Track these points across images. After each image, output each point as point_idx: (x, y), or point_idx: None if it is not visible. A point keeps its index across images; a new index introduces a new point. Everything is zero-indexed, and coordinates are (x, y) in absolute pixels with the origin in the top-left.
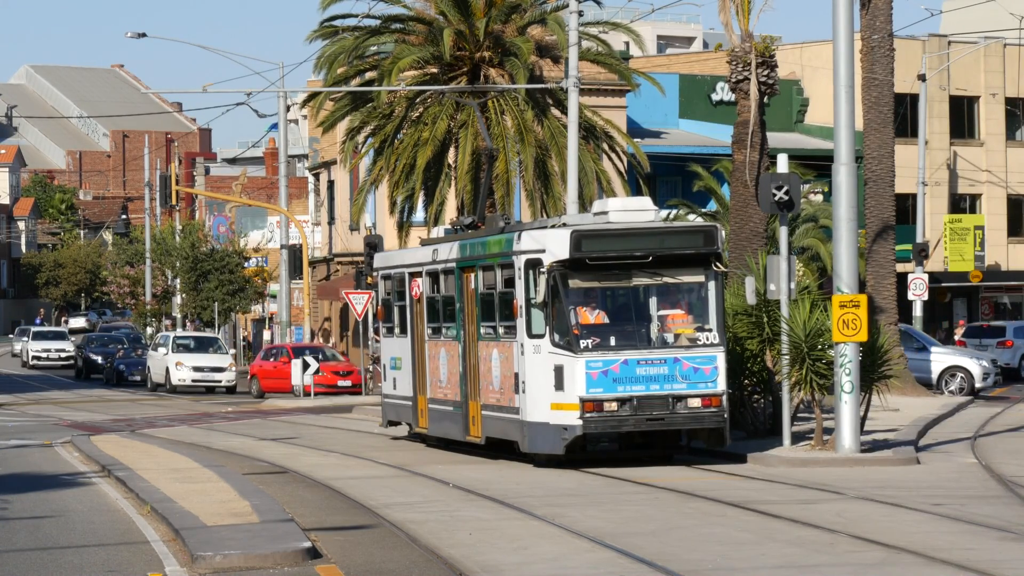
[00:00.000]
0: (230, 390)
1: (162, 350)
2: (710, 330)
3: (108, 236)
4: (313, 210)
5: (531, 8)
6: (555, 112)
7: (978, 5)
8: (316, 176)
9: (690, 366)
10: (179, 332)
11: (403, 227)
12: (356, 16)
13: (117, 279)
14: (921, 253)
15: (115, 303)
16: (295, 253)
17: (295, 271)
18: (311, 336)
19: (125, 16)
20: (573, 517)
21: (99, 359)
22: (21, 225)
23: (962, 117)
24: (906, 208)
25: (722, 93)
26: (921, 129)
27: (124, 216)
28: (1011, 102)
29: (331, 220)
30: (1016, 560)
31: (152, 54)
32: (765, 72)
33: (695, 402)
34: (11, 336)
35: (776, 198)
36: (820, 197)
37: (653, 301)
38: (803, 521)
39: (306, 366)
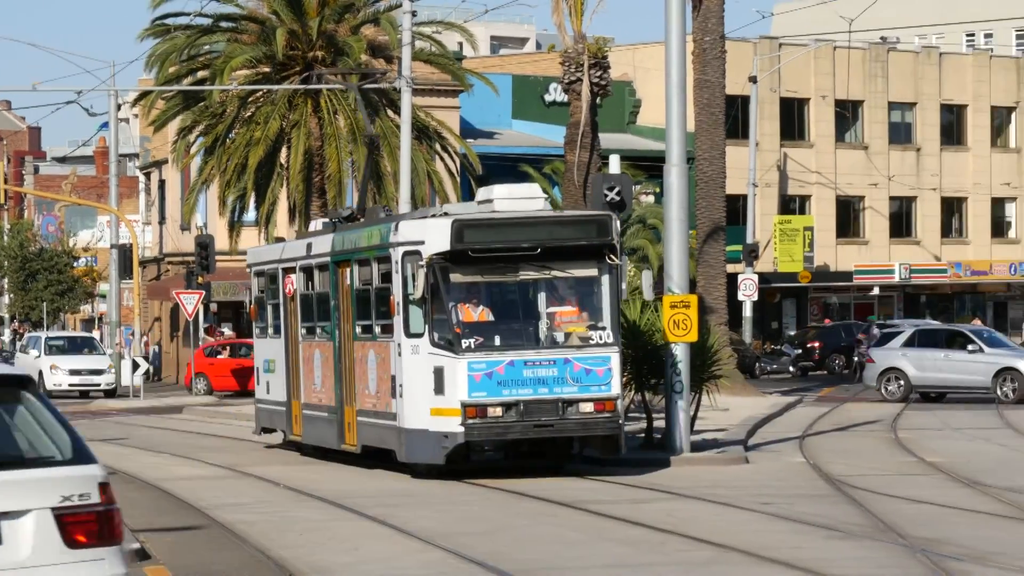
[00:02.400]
0: (109, 393)
1: (33, 352)
2: (604, 328)
3: None
4: (144, 210)
5: (364, 8)
6: (389, 112)
7: (809, 8)
8: (147, 175)
9: (582, 367)
10: (51, 332)
11: (234, 227)
12: (188, 15)
13: None
14: (751, 254)
15: None
16: (125, 253)
17: (125, 271)
18: (140, 337)
19: None
20: (405, 517)
21: None
22: None
23: (792, 119)
24: (736, 209)
25: (555, 94)
26: (752, 130)
27: None
28: (840, 104)
29: (162, 220)
30: (843, 559)
31: None
32: (598, 73)
33: (587, 407)
34: None
35: (608, 199)
36: (651, 198)
37: (542, 297)
38: (634, 521)
39: (136, 366)
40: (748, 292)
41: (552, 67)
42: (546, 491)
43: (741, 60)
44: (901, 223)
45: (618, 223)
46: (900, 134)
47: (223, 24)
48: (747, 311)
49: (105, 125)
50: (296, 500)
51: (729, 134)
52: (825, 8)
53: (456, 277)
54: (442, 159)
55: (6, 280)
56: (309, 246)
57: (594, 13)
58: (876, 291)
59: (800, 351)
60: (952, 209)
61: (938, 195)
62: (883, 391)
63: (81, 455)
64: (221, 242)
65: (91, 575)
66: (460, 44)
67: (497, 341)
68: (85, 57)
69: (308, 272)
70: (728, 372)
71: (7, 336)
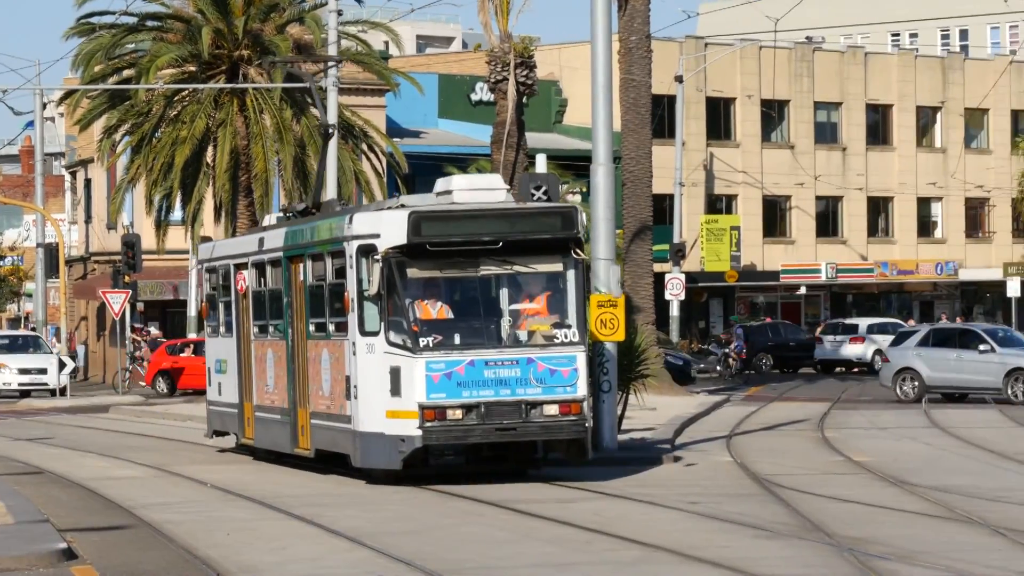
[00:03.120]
0: (53, 393)
1: None
2: (569, 326)
3: None
4: (70, 209)
5: (290, 7)
6: (314, 111)
7: (734, 8)
8: (73, 174)
9: (546, 368)
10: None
11: (161, 226)
12: (114, 13)
13: None
14: (678, 253)
15: None
16: (51, 252)
17: (51, 270)
18: (67, 337)
19: None
20: (332, 517)
21: None
22: None
23: (718, 118)
24: (663, 208)
25: (481, 93)
26: (678, 130)
27: None
28: (766, 104)
29: (88, 219)
30: (770, 558)
31: None
32: (524, 72)
33: (552, 409)
34: None
35: (535, 198)
36: (578, 197)
37: (505, 293)
38: (561, 520)
39: (63, 365)
40: (675, 291)
41: (478, 66)
42: (475, 492)
43: (667, 60)
44: (827, 223)
45: (584, 216)
46: (826, 134)
47: (149, 23)
48: (674, 310)
49: (30, 124)
50: (224, 500)
51: (655, 133)
52: (750, 8)
53: (413, 272)
54: (368, 158)
55: None
56: (261, 241)
57: (520, 12)
58: (803, 290)
59: (727, 350)
60: (878, 209)
61: (864, 195)
62: (898, 391)
63: None
64: (148, 241)
65: None
66: (386, 43)
67: (457, 340)
68: (10, 56)
69: (260, 268)
70: (655, 371)
71: None
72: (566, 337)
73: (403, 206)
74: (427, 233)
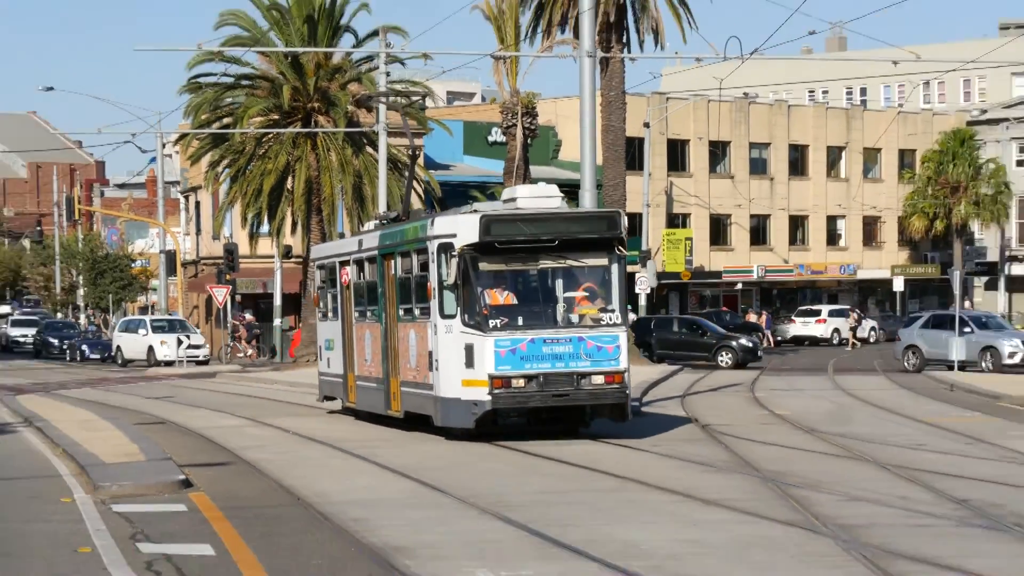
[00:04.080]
0: (202, 363)
1: (142, 331)
2: (613, 311)
3: (27, 243)
4: (184, 224)
5: (350, 69)
6: (369, 149)
7: (689, 71)
8: (186, 198)
9: (594, 345)
10: (154, 316)
11: (253, 237)
12: (215, 75)
13: (34, 276)
14: (646, 258)
15: (32, 295)
16: (170, 257)
17: (170, 270)
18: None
19: (38, 70)
20: (385, 456)
21: (55, 341)
22: None
23: (676, 155)
24: (634, 224)
25: (496, 135)
26: (646, 164)
27: (39, 228)
28: (713, 144)
29: (198, 231)
30: (713, 486)
31: (58, 101)
32: (528, 120)
33: (598, 379)
34: None
35: None
36: None
37: (559, 283)
38: (556, 459)
39: (180, 343)
40: (643, 287)
41: (494, 115)
42: (515, 444)
43: (637, 110)
44: (759, 234)
45: (625, 219)
46: (758, 167)
47: (242, 82)
48: (642, 301)
49: (153, 159)
50: (303, 443)
51: (628, 167)
52: (701, 71)
53: (484, 265)
54: (414, 183)
55: (81, 277)
56: (360, 242)
57: (525, 74)
58: (739, 286)
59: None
60: (797, 224)
61: (786, 214)
62: (905, 363)
63: None
64: (243, 248)
65: None
66: (423, 97)
67: (520, 321)
68: (137, 107)
69: (360, 264)
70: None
71: (83, 320)
72: (610, 320)
73: (476, 211)
74: (495, 233)
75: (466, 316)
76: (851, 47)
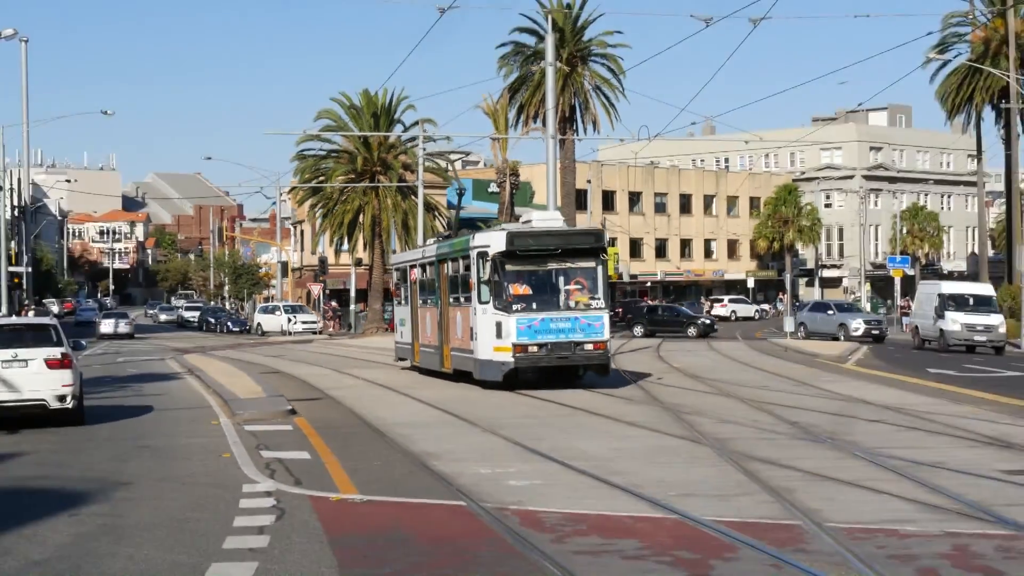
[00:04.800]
0: (315, 333)
1: (276, 313)
2: (599, 299)
3: (192, 257)
4: (292, 244)
5: (400, 146)
6: (413, 196)
7: (616, 147)
8: (294, 227)
9: (586, 322)
10: (285, 302)
11: (336, 253)
12: (314, 149)
13: (196, 278)
14: None
15: (196, 291)
16: (284, 265)
17: (284, 274)
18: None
19: (201, 143)
20: (422, 394)
21: (211, 320)
22: (149, 251)
23: (608, 200)
24: None
25: (493, 188)
26: (588, 206)
27: (200, 247)
28: (632, 193)
29: (301, 249)
30: (632, 412)
31: (214, 165)
32: (513, 178)
33: (589, 346)
34: (145, 307)
35: None
36: None
37: (561, 279)
38: (536, 397)
39: (290, 320)
40: None
41: (491, 174)
42: (516, 388)
43: (583, 171)
44: (661, 251)
45: (607, 235)
46: (660, 208)
47: (331, 154)
48: None
49: (274, 203)
50: (369, 387)
51: (577, 208)
52: (623, 147)
53: (509, 267)
54: (437, 219)
55: (226, 279)
56: (423, 252)
57: (511, 149)
58: (648, 284)
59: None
60: (685, 244)
61: (679, 238)
62: (798, 334)
63: (70, 346)
64: (331, 260)
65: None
66: (448, 164)
67: (534, 306)
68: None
69: (423, 267)
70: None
71: (228, 307)
72: (597, 305)
73: (503, 228)
74: (517, 244)
75: (496, 302)
76: (719, 131)
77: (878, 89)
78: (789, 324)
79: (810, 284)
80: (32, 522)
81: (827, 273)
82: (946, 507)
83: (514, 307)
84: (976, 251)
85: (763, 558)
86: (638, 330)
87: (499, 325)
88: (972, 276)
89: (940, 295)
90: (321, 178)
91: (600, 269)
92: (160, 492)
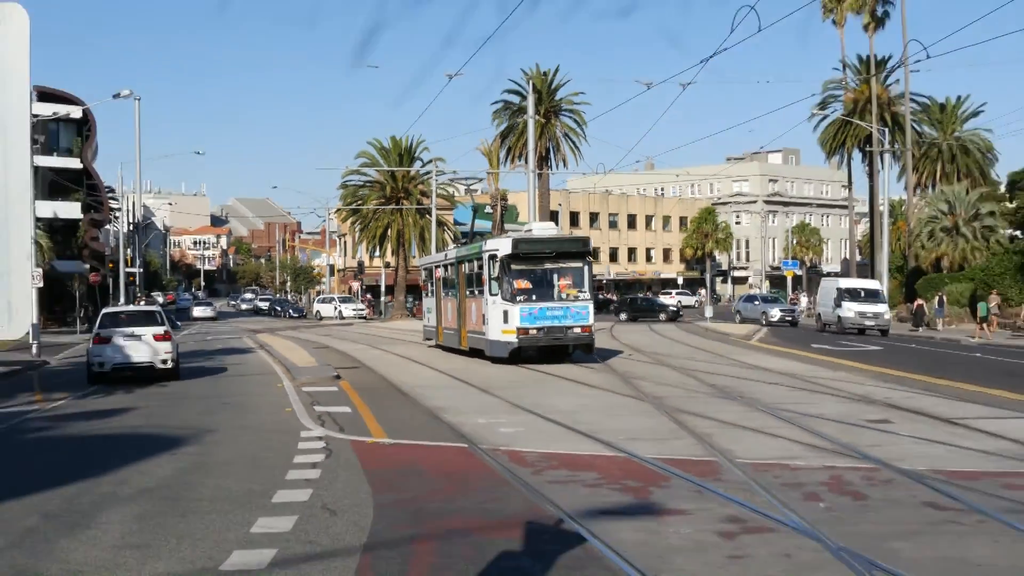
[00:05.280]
0: (362, 318)
1: (333, 303)
2: (585, 292)
3: (263, 261)
4: (338, 251)
5: (418, 178)
6: (427, 215)
7: (582, 178)
8: (339, 238)
9: (575, 310)
10: (337, 294)
11: (371, 258)
12: (355, 180)
13: (266, 277)
14: None
15: (265, 286)
16: (331, 267)
17: (331, 273)
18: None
19: (270, 174)
20: (437, 365)
21: (278, 308)
22: (230, 256)
23: (575, 219)
24: None
25: (490, 209)
26: (559, 224)
27: (268, 254)
28: (591, 214)
29: (344, 255)
30: (596, 377)
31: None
32: (503, 202)
33: (577, 330)
34: (228, 299)
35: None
36: None
37: (555, 276)
38: (522, 367)
39: (343, 308)
40: None
41: (487, 199)
42: (525, 366)
43: (556, 197)
44: (614, 256)
45: (591, 241)
46: (614, 224)
47: (367, 184)
48: None
49: (324, 219)
50: (396, 358)
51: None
52: (586, 178)
53: (514, 266)
54: (447, 233)
55: (288, 277)
56: (445, 255)
57: (501, 180)
58: (603, 281)
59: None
60: (631, 251)
61: (627, 246)
62: (736, 320)
63: (170, 325)
64: (367, 263)
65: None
66: (454, 191)
67: (534, 298)
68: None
69: (445, 267)
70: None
71: (290, 298)
72: (584, 297)
73: (509, 236)
74: (520, 248)
75: (503, 294)
76: (657, 167)
77: (775, 135)
78: (709, 311)
79: (724, 282)
80: (143, 459)
81: (737, 273)
82: (825, 447)
83: (517, 298)
84: (847, 257)
85: (689, 486)
86: (623, 316)
87: (506, 313)
88: (844, 276)
89: (838, 288)
90: (359, 202)
91: (586, 268)
92: (238, 437)
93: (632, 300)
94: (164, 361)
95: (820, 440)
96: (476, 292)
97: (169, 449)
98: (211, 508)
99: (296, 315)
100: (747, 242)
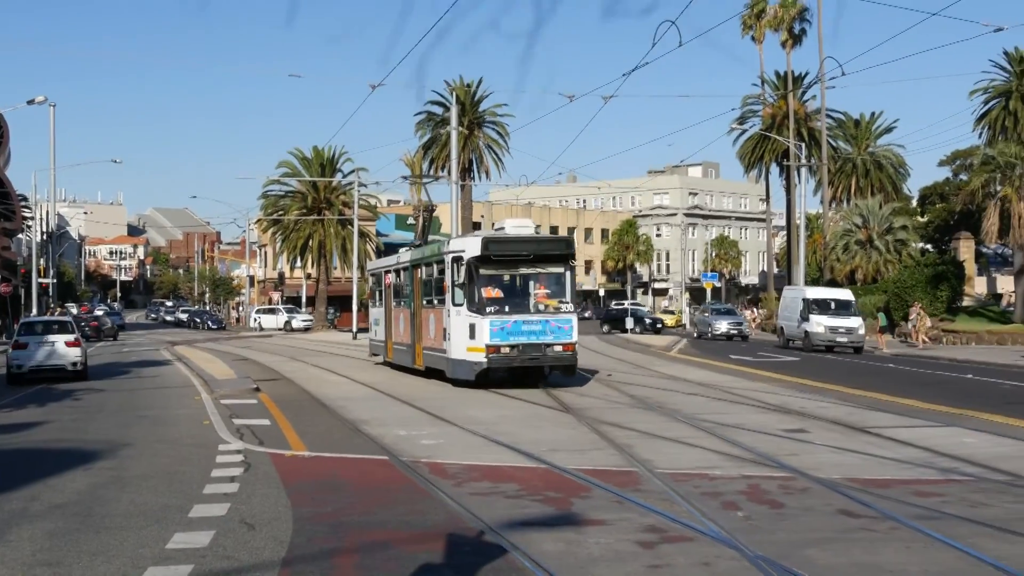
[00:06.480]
0: (302, 331)
1: (278, 314)
2: (568, 303)
3: (180, 272)
4: (258, 262)
5: (340, 188)
6: (349, 226)
7: (504, 190)
8: (259, 249)
9: (556, 325)
10: (280, 305)
11: (292, 269)
12: (275, 190)
13: (184, 287)
14: None
15: (184, 297)
16: (251, 278)
17: (251, 284)
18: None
19: (189, 183)
20: (359, 377)
21: (197, 319)
22: (147, 267)
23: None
24: None
25: (411, 220)
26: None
27: (187, 264)
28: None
29: (264, 266)
30: (511, 389)
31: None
32: (426, 213)
33: (559, 348)
34: (146, 310)
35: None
36: None
37: (532, 283)
38: (442, 380)
39: (291, 319)
40: None
41: (410, 210)
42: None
43: (479, 208)
44: None
45: (575, 243)
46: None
47: (289, 194)
48: None
49: (244, 230)
50: (316, 370)
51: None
52: (508, 189)
53: (483, 271)
54: (369, 244)
55: (207, 288)
56: (398, 258)
57: (421, 191)
58: None
59: None
60: None
61: None
62: (694, 333)
63: (79, 334)
64: (287, 274)
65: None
66: (376, 201)
67: (507, 309)
68: (237, 205)
69: (397, 272)
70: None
71: (208, 309)
72: (566, 308)
73: (478, 235)
74: (492, 249)
75: (470, 304)
76: (580, 179)
77: (696, 149)
78: (629, 323)
79: (645, 293)
80: (55, 474)
81: (658, 285)
82: (743, 457)
83: (487, 309)
84: (765, 269)
85: (610, 496)
86: (605, 328)
87: (472, 327)
88: (762, 288)
89: (805, 299)
90: (280, 212)
91: (568, 275)
92: (155, 451)
93: (608, 311)
94: (75, 364)
95: (738, 450)
96: (436, 301)
97: (83, 463)
98: (126, 524)
99: (215, 327)
100: (668, 254)
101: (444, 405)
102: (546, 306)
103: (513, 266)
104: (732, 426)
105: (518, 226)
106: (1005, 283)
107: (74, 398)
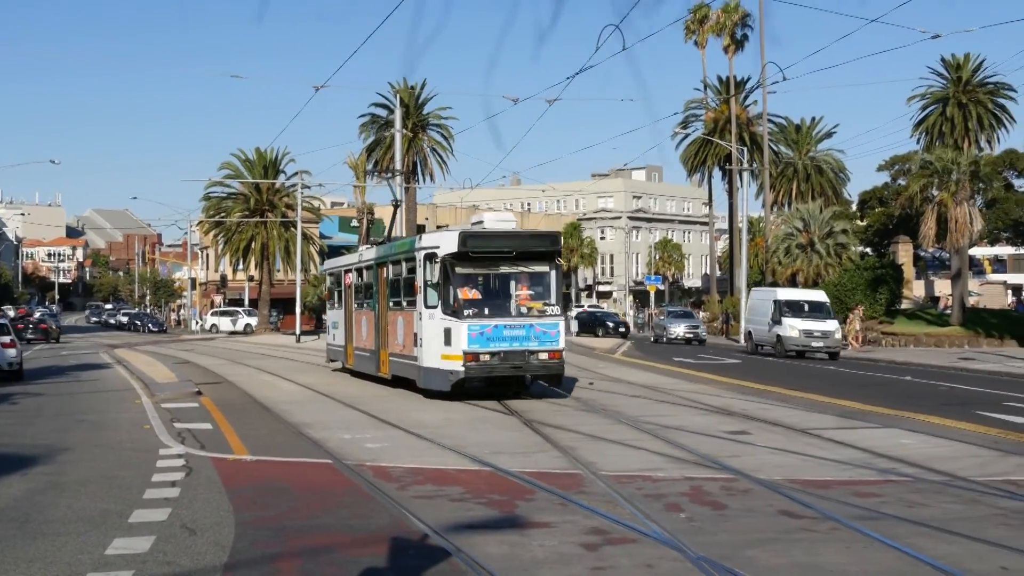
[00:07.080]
0: (243, 333)
1: (216, 316)
2: (554, 305)
3: (121, 274)
4: (200, 264)
5: (283, 190)
6: (293, 228)
7: (449, 194)
8: (202, 251)
9: (541, 330)
10: (220, 308)
11: (234, 271)
12: (218, 192)
13: (124, 290)
14: None
15: (124, 300)
16: (193, 280)
17: (193, 287)
18: (198, 312)
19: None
20: (302, 380)
21: (137, 322)
22: (87, 269)
23: None
24: None
25: (354, 223)
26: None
27: (127, 267)
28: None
29: (207, 268)
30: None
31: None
32: (370, 216)
33: (544, 355)
34: (86, 313)
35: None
36: None
37: (514, 284)
38: (385, 384)
39: (247, 323)
40: None
41: (353, 212)
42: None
43: (423, 211)
44: None
45: (561, 239)
46: None
47: (231, 196)
48: None
49: (185, 233)
50: (259, 373)
51: None
52: (454, 192)
53: (460, 269)
54: (312, 246)
55: (148, 291)
56: (360, 256)
57: (368, 194)
58: None
59: None
60: None
61: None
62: (661, 338)
63: (15, 336)
64: (230, 276)
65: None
66: (320, 203)
67: (486, 312)
68: (179, 207)
69: (359, 271)
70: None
71: (149, 312)
72: (552, 312)
73: (454, 229)
74: (470, 245)
75: (445, 307)
76: (524, 182)
77: (639, 153)
78: (574, 325)
79: (589, 296)
80: None
81: (602, 288)
82: (686, 459)
83: (465, 312)
84: (708, 272)
85: (554, 498)
86: (574, 329)
87: (448, 331)
88: (706, 291)
89: (776, 301)
90: (223, 214)
91: (555, 274)
92: (94, 455)
93: (579, 315)
94: (11, 364)
95: (681, 452)
96: (405, 303)
97: (20, 469)
98: (64, 530)
99: (156, 329)
100: (611, 257)
101: (388, 408)
102: (530, 309)
103: (494, 264)
104: (675, 428)
105: (499, 220)
106: (942, 286)
107: (11, 402)
